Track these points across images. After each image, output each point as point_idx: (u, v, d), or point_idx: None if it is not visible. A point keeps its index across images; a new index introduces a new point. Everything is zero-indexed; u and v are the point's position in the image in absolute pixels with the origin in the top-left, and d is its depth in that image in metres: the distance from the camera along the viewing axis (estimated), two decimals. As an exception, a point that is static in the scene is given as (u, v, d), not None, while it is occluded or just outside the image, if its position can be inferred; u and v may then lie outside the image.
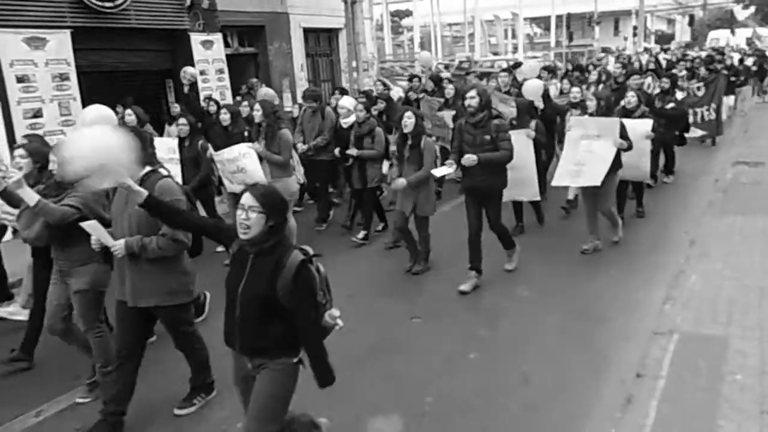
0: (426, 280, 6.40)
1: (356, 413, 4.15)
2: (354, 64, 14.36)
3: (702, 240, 6.96)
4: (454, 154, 5.98)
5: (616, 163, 6.55)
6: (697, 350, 4.59)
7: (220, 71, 11.57)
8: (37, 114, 8.59)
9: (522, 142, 6.75)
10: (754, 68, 20.62)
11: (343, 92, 9.93)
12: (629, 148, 6.55)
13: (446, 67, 27.04)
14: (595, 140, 6.50)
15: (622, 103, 7.88)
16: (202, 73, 11.16)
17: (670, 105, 9.13)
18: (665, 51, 30.31)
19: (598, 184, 6.37)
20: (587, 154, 6.50)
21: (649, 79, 11.66)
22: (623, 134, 6.61)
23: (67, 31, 8.94)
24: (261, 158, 6.81)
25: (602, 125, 6.58)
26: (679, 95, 9.79)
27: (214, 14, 11.34)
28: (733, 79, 15.10)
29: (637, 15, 43.41)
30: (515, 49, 41.33)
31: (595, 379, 4.41)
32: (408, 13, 47.32)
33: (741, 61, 19.35)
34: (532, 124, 7.47)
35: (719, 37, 42.65)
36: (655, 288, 5.88)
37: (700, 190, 9.36)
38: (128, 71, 10.90)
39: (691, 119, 11.44)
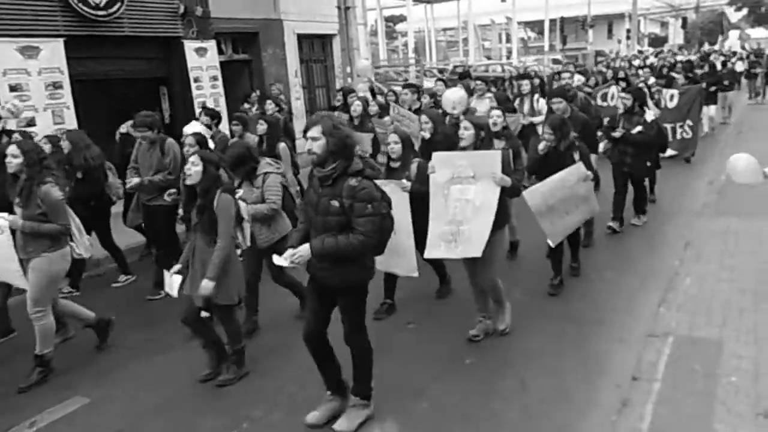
0: (420, 285, 6.38)
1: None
2: (348, 69, 14.38)
3: (697, 242, 6.97)
4: (301, 224, 4.01)
5: (502, 215, 4.87)
6: (692, 353, 4.59)
7: (214, 78, 11.56)
8: (31, 123, 8.56)
9: (395, 198, 4.51)
10: (745, 70, 20.45)
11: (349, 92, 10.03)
12: (517, 187, 5.00)
13: (440, 71, 27.19)
14: (470, 183, 4.77)
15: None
16: (196, 80, 11.17)
17: (637, 129, 7.42)
18: (656, 55, 30.01)
19: (478, 254, 4.68)
20: (463, 206, 4.80)
21: (613, 89, 10.74)
22: (587, 164, 5.83)
23: (61, 40, 8.93)
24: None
25: (477, 160, 4.78)
26: (650, 115, 7.71)
27: (207, 21, 11.35)
28: (713, 88, 14.23)
29: (631, 18, 43.70)
30: (509, 53, 41.49)
31: (590, 383, 4.41)
32: (402, 19, 47.43)
33: (724, 64, 18.84)
34: (413, 167, 5.29)
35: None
36: (650, 291, 5.88)
37: (695, 192, 9.39)
38: (122, 79, 10.88)
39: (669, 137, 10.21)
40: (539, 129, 7.14)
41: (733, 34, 47.31)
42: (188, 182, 4.46)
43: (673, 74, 14.29)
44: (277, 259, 3.93)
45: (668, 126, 10.33)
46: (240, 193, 4.95)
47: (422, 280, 6.48)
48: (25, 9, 8.62)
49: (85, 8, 9.13)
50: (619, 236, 7.49)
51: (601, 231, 7.54)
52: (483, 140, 4.88)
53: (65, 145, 6.62)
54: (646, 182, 8.26)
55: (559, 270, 6.03)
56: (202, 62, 11.30)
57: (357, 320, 3.94)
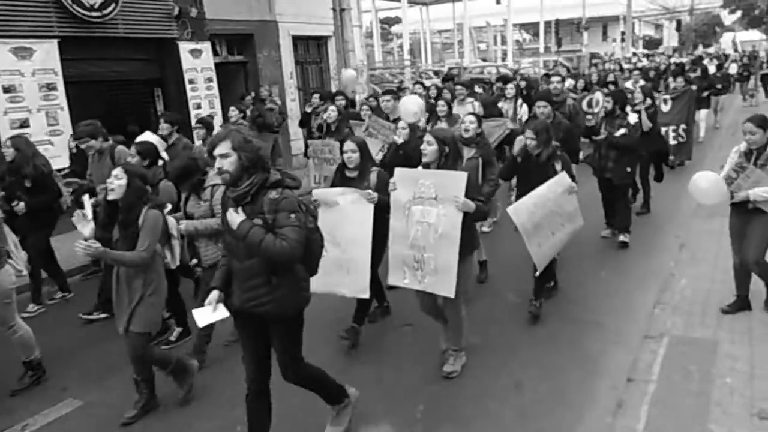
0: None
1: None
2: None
3: (691, 243, 6.98)
4: (224, 259, 3.63)
5: (469, 241, 4.39)
6: (688, 354, 4.60)
7: (209, 80, 11.54)
8: (24, 124, 8.53)
9: (357, 210, 4.70)
10: (739, 73, 20.27)
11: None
12: (483, 210, 4.45)
13: (435, 73, 27.21)
14: (431, 205, 4.27)
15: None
16: (191, 82, 11.14)
17: (621, 131, 7.08)
18: (647, 57, 29.79)
19: (452, 294, 4.28)
20: (425, 230, 4.32)
21: (598, 95, 9.99)
22: (569, 173, 5.45)
23: (55, 41, 8.91)
24: None
25: (441, 181, 4.29)
26: (633, 117, 7.37)
27: (202, 23, 11.33)
28: (705, 93, 13.89)
29: (625, 21, 43.80)
30: (504, 55, 41.57)
31: (586, 384, 4.41)
32: (397, 21, 47.48)
33: (719, 67, 18.48)
34: (372, 176, 4.89)
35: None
36: (646, 292, 5.89)
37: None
38: (116, 81, 10.86)
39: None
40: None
41: (726, 37, 47.58)
42: (110, 197, 4.08)
43: (670, 79, 13.76)
44: (200, 319, 3.48)
45: (662, 129, 10.06)
46: (168, 208, 4.57)
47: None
48: (18, 10, 8.58)
49: (79, 9, 9.10)
50: (614, 239, 7.48)
51: (590, 235, 7.53)
52: (447, 156, 4.35)
53: (9, 153, 6.06)
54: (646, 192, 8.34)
55: (540, 293, 5.52)
56: (197, 64, 11.27)
57: (292, 351, 3.58)
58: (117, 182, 4.07)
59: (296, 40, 14.65)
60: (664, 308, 5.40)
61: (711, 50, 39.28)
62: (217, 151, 3.28)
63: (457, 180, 4.23)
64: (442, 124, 7.54)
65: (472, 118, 6.05)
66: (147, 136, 6.50)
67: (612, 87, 11.32)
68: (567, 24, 44.75)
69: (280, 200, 3.29)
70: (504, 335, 5.21)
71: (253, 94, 12.25)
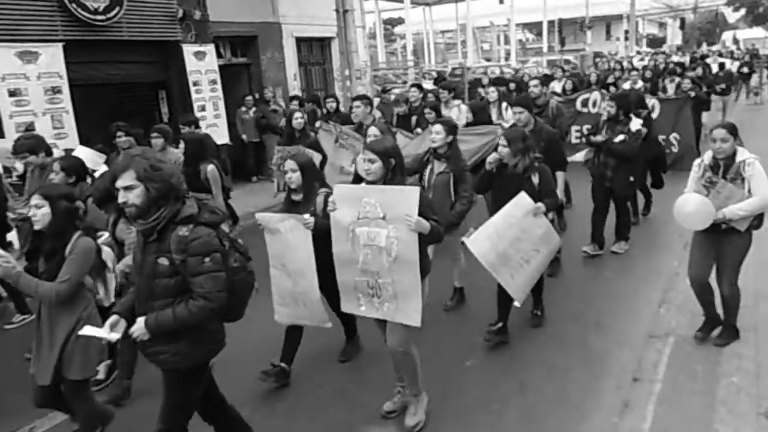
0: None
1: (351, 421, 4.14)
2: (347, 72, 14.39)
3: (696, 242, 6.96)
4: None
5: (424, 264, 3.77)
6: (693, 353, 4.60)
7: (213, 82, 11.57)
8: (30, 127, 8.55)
9: (297, 238, 4.20)
10: (739, 71, 19.98)
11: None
12: (439, 231, 3.75)
13: (438, 73, 27.21)
14: (379, 226, 3.67)
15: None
16: (195, 84, 11.17)
17: (620, 138, 6.58)
18: (653, 55, 29.32)
19: (417, 322, 3.74)
20: (375, 255, 3.73)
21: (596, 95, 9.92)
22: (548, 190, 5.01)
23: (60, 45, 8.93)
24: None
25: (388, 198, 3.66)
26: (636, 124, 6.81)
27: (206, 25, 11.35)
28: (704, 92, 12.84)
29: (629, 19, 43.76)
30: (508, 54, 41.54)
31: (591, 385, 4.41)
32: (400, 21, 47.53)
33: (721, 67, 17.95)
34: (319, 199, 4.35)
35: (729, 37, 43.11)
36: (650, 291, 5.88)
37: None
38: (121, 83, 10.88)
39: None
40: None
41: (727, 34, 47.46)
42: (36, 227, 3.60)
43: (667, 80, 13.34)
44: (86, 329, 3.20)
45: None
46: (104, 237, 4.06)
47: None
48: (23, 14, 8.61)
49: (83, 13, 9.14)
50: (597, 254, 7.46)
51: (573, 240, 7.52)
52: (394, 170, 3.74)
53: None
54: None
55: (505, 315, 5.02)
56: (201, 66, 11.30)
57: (178, 411, 3.17)
58: (39, 212, 3.54)
59: (299, 41, 14.68)
60: (669, 308, 5.40)
61: (714, 48, 39.00)
62: (119, 183, 2.86)
63: (407, 196, 3.59)
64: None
65: (440, 128, 5.27)
66: (81, 152, 5.95)
67: (612, 89, 11.21)
68: (570, 23, 44.79)
69: (190, 240, 2.85)
70: (508, 336, 5.20)
71: (256, 95, 12.27)
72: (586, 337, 5.13)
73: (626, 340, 5.01)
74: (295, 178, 4.34)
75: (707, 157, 4.52)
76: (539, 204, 4.81)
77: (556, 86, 13.13)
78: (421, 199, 3.59)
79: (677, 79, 12.44)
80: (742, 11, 56.73)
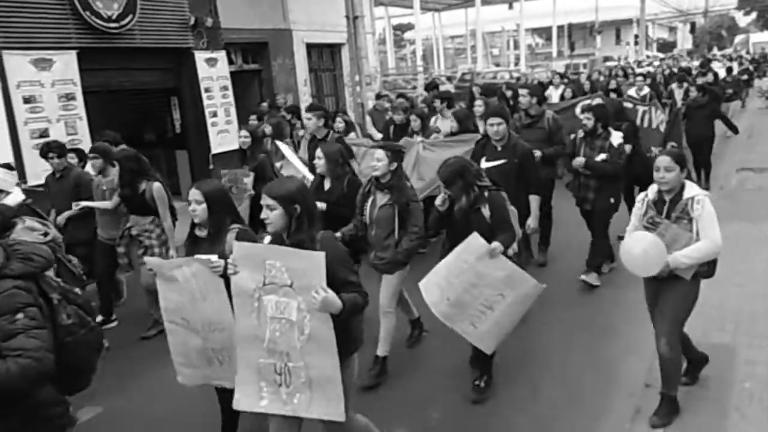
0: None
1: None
2: (357, 78, 14.46)
3: (708, 248, 6.92)
4: None
5: (345, 342, 2.97)
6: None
7: (225, 88, 11.65)
8: (44, 134, 8.64)
9: (206, 285, 3.38)
10: (745, 77, 19.18)
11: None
12: (358, 305, 2.96)
13: (449, 79, 27.22)
14: (288, 296, 2.92)
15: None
16: (206, 90, 11.26)
17: (601, 157, 6.00)
18: (662, 60, 28.66)
19: (341, 417, 2.96)
20: (285, 331, 2.96)
21: (597, 102, 8.91)
22: (502, 222, 4.26)
23: (73, 52, 9.04)
24: None
25: (293, 263, 2.89)
26: (617, 137, 6.08)
27: (217, 32, 11.45)
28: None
29: (639, 24, 43.65)
30: (517, 60, 41.53)
31: (603, 391, 4.41)
32: (410, 27, 47.62)
33: (729, 71, 17.25)
34: (230, 235, 3.54)
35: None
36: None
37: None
38: (133, 90, 11.01)
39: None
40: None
41: (740, 39, 47.24)
42: None
43: (674, 85, 12.63)
44: None
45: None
46: None
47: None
48: (38, 22, 8.72)
49: (97, 20, 9.24)
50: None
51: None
52: (300, 219, 2.96)
53: None
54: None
55: (487, 368, 4.51)
56: (213, 73, 11.39)
57: None
58: None
59: (310, 47, 14.78)
60: (681, 313, 5.37)
61: (725, 52, 38.76)
62: None
63: (313, 262, 2.81)
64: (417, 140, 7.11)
65: (381, 153, 4.51)
66: None
67: (614, 95, 10.55)
68: (580, 28, 44.75)
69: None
70: (520, 342, 5.19)
71: (268, 101, 12.34)
72: (597, 343, 5.12)
73: (637, 346, 4.98)
74: (199, 211, 3.55)
75: (651, 191, 3.91)
76: (494, 245, 4.02)
77: (554, 94, 12.74)
78: (335, 262, 2.85)
79: (685, 85, 11.80)
80: (753, 15, 56.48)
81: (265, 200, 2.99)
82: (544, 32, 52.68)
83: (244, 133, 6.99)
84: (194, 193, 3.57)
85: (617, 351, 4.95)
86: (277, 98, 12.73)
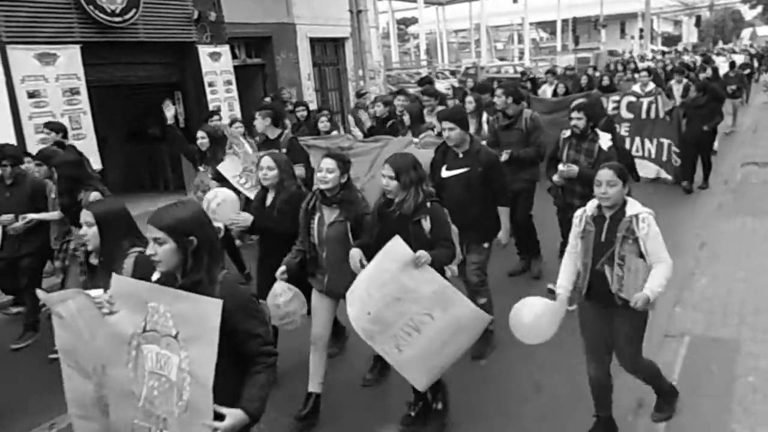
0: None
1: (365, 422, 4.16)
2: (361, 72, 14.44)
3: (712, 242, 6.93)
4: None
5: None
6: (709, 353, 4.58)
7: (228, 83, 11.66)
8: (49, 128, 8.68)
9: (93, 323, 2.69)
10: (747, 71, 18.33)
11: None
12: (268, 384, 2.42)
13: (452, 73, 27.17)
14: (170, 348, 2.35)
15: None
16: (210, 85, 11.27)
17: (607, 146, 5.50)
18: (663, 54, 27.91)
19: None
20: (164, 392, 2.38)
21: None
22: (442, 235, 3.78)
23: (77, 47, 9.05)
24: None
25: (182, 308, 2.32)
26: (605, 140, 5.52)
27: (221, 26, 11.44)
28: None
29: (644, 17, 43.46)
30: (521, 54, 41.42)
31: (606, 384, 4.40)
32: (414, 21, 47.52)
33: (732, 66, 16.37)
34: (128, 261, 3.03)
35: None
36: (666, 291, 5.83)
37: (710, 192, 9.33)
38: (137, 84, 11.03)
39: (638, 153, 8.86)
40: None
41: (746, 32, 47.01)
42: None
43: (673, 81, 11.78)
44: None
45: (649, 141, 9.06)
46: None
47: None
48: (41, 16, 8.74)
49: (101, 15, 9.25)
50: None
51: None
52: (197, 253, 2.39)
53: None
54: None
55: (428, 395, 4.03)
56: (216, 67, 11.40)
57: None
58: None
59: (314, 42, 14.76)
60: (684, 307, 5.37)
61: (728, 47, 38.39)
62: None
63: (207, 311, 2.26)
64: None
65: (332, 163, 3.92)
66: None
67: (611, 94, 9.96)
68: (584, 22, 44.51)
69: None
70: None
71: (271, 95, 12.34)
72: (600, 336, 5.11)
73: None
74: (90, 235, 3.05)
75: (590, 207, 3.56)
76: (419, 253, 3.44)
77: (547, 90, 12.36)
78: (217, 309, 2.23)
79: (684, 81, 11.13)
80: (759, 9, 56.17)
81: (152, 232, 2.37)
82: (549, 26, 52.49)
83: (201, 134, 6.49)
84: (85, 215, 3.07)
85: (621, 345, 4.95)
86: (283, 92, 12.72)
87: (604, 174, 3.44)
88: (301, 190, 4.44)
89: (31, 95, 8.59)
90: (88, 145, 8.84)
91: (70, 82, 9.00)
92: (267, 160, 4.32)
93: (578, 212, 3.64)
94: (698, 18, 49.36)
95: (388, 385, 4.54)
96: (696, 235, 7.35)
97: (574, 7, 42.29)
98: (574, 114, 5.57)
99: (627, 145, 9.06)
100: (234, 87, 11.78)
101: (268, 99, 11.99)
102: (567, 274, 3.72)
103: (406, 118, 7.17)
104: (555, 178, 5.59)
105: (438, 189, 4.50)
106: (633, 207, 3.47)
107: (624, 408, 4.06)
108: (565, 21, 42.81)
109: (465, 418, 4.13)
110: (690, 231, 7.59)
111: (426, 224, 3.74)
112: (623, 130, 9.23)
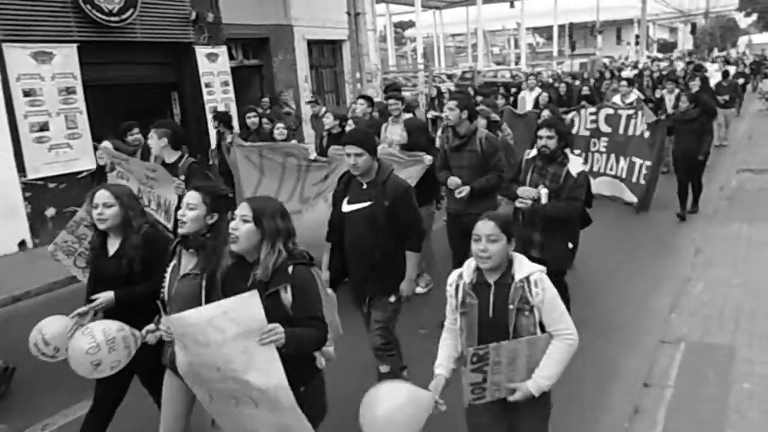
0: (431, 291, 6.40)
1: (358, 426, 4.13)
2: (358, 75, 14.45)
3: (708, 248, 6.95)
4: None
5: None
6: (705, 359, 4.58)
7: (225, 84, 11.64)
8: (44, 127, 8.65)
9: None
10: (741, 81, 17.71)
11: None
12: None
13: (449, 77, 27.21)
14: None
15: None
16: (207, 85, 11.25)
17: (544, 192, 4.49)
18: (652, 61, 26.99)
19: None
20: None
21: (572, 114, 8.40)
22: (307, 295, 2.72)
23: (74, 46, 9.03)
24: None
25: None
26: (576, 164, 4.58)
27: (218, 27, 11.43)
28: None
29: (639, 24, 43.68)
30: (518, 59, 41.54)
31: (602, 390, 4.40)
32: (411, 24, 47.59)
33: (725, 75, 15.20)
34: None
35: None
36: (662, 296, 5.87)
37: (705, 198, 9.34)
38: (134, 84, 10.98)
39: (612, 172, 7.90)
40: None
41: (743, 40, 47.28)
42: None
43: (665, 91, 11.06)
44: None
45: (623, 159, 7.91)
46: None
47: (434, 287, 6.49)
48: (38, 15, 8.71)
49: (98, 14, 9.22)
50: (630, 242, 7.45)
51: (603, 237, 7.48)
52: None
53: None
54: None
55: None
56: (213, 68, 11.38)
57: None
58: None
59: (311, 44, 14.78)
60: (680, 313, 5.37)
61: (722, 54, 38.39)
62: None
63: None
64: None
65: (194, 198, 3.06)
66: None
67: (586, 104, 9.16)
68: (581, 27, 44.68)
69: None
70: (519, 339, 5.20)
71: (269, 97, 12.33)
72: (596, 342, 5.10)
73: (637, 345, 4.99)
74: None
75: (467, 271, 2.77)
76: (272, 325, 2.45)
77: (527, 98, 11.32)
78: None
79: (676, 90, 10.22)
80: (754, 17, 56.52)
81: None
82: (545, 31, 52.67)
83: (99, 153, 6.06)
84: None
85: (617, 350, 4.95)
86: (283, 94, 12.69)
87: (484, 227, 2.66)
88: (156, 229, 3.58)
89: (26, 94, 8.55)
90: (83, 145, 8.81)
91: (66, 81, 8.97)
92: (102, 195, 3.30)
93: (451, 278, 2.82)
94: (694, 25, 49.59)
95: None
96: (692, 240, 7.37)
97: (571, 13, 42.48)
98: (544, 131, 4.56)
99: (603, 163, 8.24)
100: (231, 88, 11.77)
101: (266, 99, 12.00)
102: (447, 350, 2.97)
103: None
104: (522, 199, 4.59)
105: (338, 226, 4.00)
106: (522, 266, 2.72)
107: (620, 414, 4.06)
108: (561, 26, 42.99)
109: (460, 421, 4.10)
110: (685, 236, 7.61)
111: (286, 296, 2.65)
112: (601, 145, 8.30)
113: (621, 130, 8.12)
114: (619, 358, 4.81)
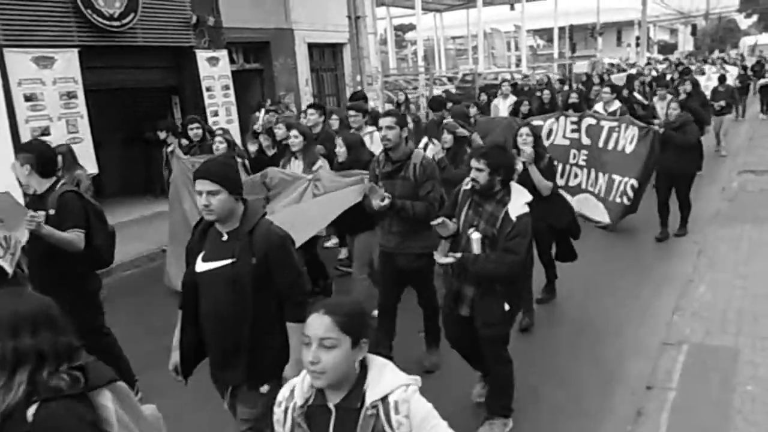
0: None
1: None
2: (358, 78, 14.46)
3: (710, 249, 6.93)
4: None
5: None
6: (708, 361, 4.57)
7: (226, 87, 11.65)
8: (45, 132, 8.64)
9: None
10: (737, 84, 16.99)
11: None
12: None
13: (450, 79, 27.20)
14: None
15: None
16: (208, 89, 11.26)
17: (477, 238, 3.65)
18: (647, 65, 26.26)
19: None
20: None
21: (550, 122, 8.05)
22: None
23: (75, 50, 9.03)
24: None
25: None
26: (516, 206, 3.63)
27: (219, 31, 11.44)
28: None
29: (640, 25, 43.68)
30: (518, 61, 41.55)
31: (605, 392, 4.39)
32: (411, 27, 47.60)
33: (722, 80, 14.14)
34: None
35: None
36: (664, 299, 5.86)
37: (707, 199, 9.33)
38: (135, 88, 11.01)
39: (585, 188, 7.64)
40: None
41: (745, 41, 47.27)
42: None
43: (656, 98, 10.36)
44: None
45: (602, 175, 7.65)
46: None
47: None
48: (40, 19, 8.72)
49: (99, 19, 9.24)
50: (632, 244, 7.44)
51: (606, 240, 7.47)
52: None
53: None
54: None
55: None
56: (214, 71, 11.38)
57: None
58: None
59: (312, 47, 14.79)
60: (683, 315, 5.36)
61: (721, 56, 38.10)
62: None
63: None
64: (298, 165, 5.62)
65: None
66: None
67: (572, 112, 8.44)
68: (581, 29, 44.67)
69: None
70: (522, 342, 5.18)
71: (269, 101, 12.33)
72: (599, 344, 5.11)
73: (640, 347, 4.98)
74: None
75: (302, 384, 1.96)
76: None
77: (501, 105, 10.58)
78: None
79: (668, 97, 9.23)
80: (755, 18, 56.52)
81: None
82: (546, 33, 52.68)
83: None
84: None
85: (619, 352, 4.94)
86: (285, 98, 12.70)
87: (316, 324, 1.85)
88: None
89: (27, 98, 8.55)
90: (84, 149, 8.81)
91: (68, 85, 8.97)
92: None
93: (281, 394, 2.00)
94: (694, 27, 49.57)
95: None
96: (693, 242, 7.36)
97: (571, 15, 42.47)
98: (474, 163, 3.71)
99: (583, 178, 7.93)
100: (232, 92, 11.76)
101: (268, 103, 11.98)
102: None
103: (297, 141, 5.72)
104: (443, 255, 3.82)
105: (192, 291, 2.95)
106: (378, 381, 1.90)
107: (623, 417, 4.05)
108: (561, 29, 42.98)
109: (462, 426, 4.10)
110: (687, 238, 7.60)
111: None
112: (581, 158, 7.93)
113: (601, 144, 7.75)
114: (621, 361, 4.81)
